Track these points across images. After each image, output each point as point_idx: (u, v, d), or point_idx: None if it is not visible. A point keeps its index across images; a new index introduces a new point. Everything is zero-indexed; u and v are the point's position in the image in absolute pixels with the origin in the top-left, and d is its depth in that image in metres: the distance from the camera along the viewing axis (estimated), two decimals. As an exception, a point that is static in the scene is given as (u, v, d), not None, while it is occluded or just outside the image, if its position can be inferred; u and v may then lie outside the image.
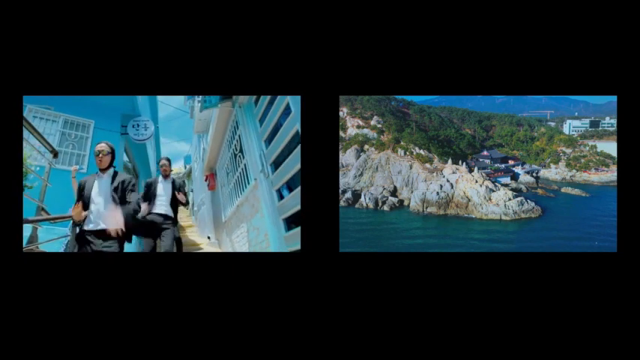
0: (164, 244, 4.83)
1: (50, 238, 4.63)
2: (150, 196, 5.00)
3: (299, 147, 4.82)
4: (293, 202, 5.21)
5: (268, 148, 6.25)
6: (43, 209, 4.63)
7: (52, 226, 5.07)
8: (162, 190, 5.01)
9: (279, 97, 5.42)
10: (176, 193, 5.03)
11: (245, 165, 7.55)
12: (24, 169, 4.50)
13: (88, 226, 3.31)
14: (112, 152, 3.49)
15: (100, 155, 3.40)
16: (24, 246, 4.16)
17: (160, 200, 4.98)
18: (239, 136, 7.81)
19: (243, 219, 8.06)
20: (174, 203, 5.05)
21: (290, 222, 5.56)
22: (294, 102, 4.97)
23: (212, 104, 8.03)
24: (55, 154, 5.02)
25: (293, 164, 5.16)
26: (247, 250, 7.60)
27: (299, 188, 4.89)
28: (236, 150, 8.35)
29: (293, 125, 5.01)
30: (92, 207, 3.34)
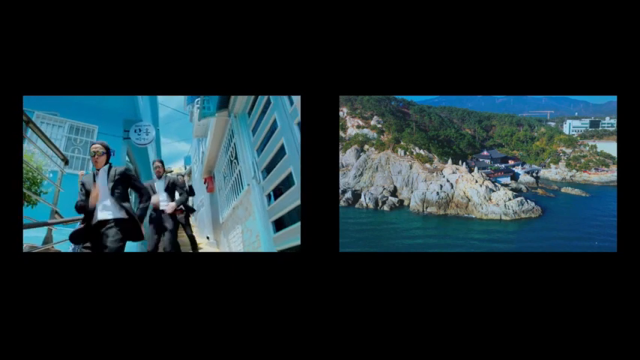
0: (165, 239, 5.24)
1: (63, 239, 4.81)
2: None
3: (285, 157, 5.21)
4: (280, 206, 5.56)
5: (259, 156, 6.48)
6: (56, 212, 4.91)
7: (65, 228, 5.28)
8: (158, 189, 5.46)
9: (269, 110, 5.76)
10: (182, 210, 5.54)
11: (239, 171, 7.75)
12: (39, 177, 4.77)
13: (95, 220, 3.34)
14: (107, 152, 3.58)
15: (96, 156, 3.47)
16: (40, 246, 4.48)
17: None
18: (234, 144, 7.99)
19: (238, 221, 8.29)
20: (173, 197, 5.49)
21: (278, 224, 5.78)
22: (280, 118, 5.36)
23: (209, 113, 8.14)
24: (66, 162, 5.33)
25: (280, 172, 5.54)
26: (242, 250, 7.84)
27: (285, 194, 5.30)
28: (232, 156, 8.52)
29: (280, 138, 5.42)
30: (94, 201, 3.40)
